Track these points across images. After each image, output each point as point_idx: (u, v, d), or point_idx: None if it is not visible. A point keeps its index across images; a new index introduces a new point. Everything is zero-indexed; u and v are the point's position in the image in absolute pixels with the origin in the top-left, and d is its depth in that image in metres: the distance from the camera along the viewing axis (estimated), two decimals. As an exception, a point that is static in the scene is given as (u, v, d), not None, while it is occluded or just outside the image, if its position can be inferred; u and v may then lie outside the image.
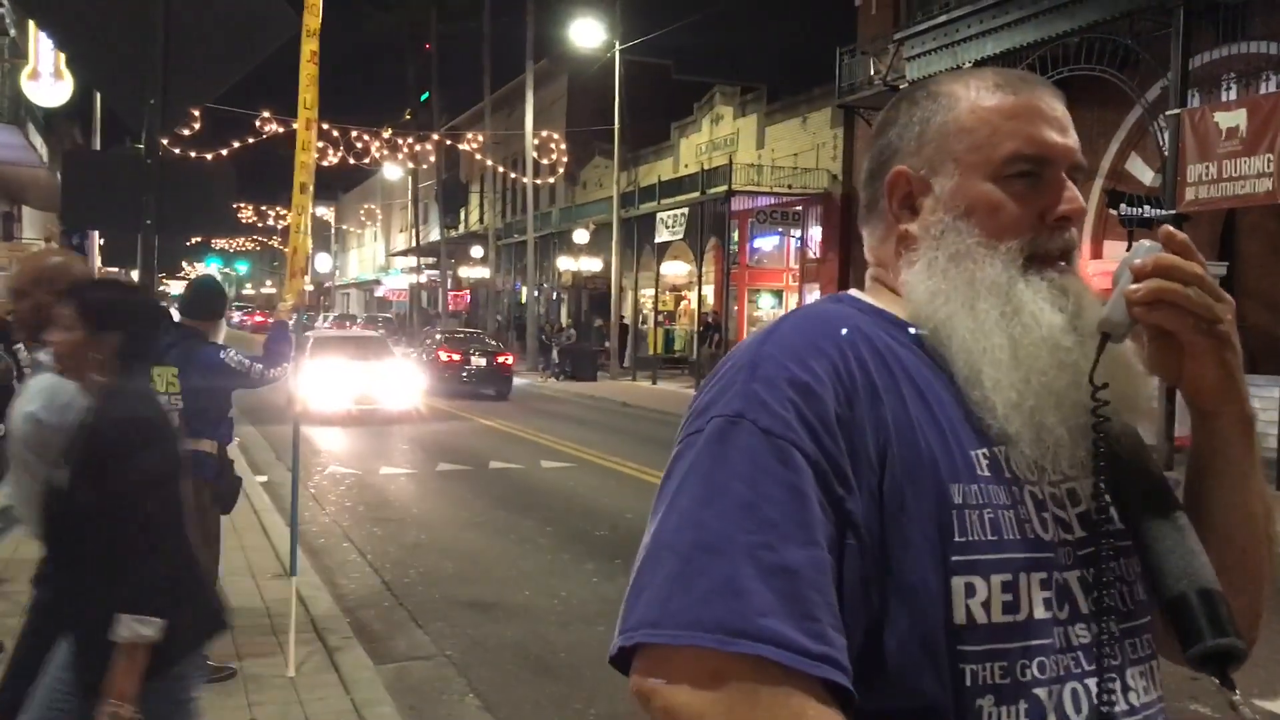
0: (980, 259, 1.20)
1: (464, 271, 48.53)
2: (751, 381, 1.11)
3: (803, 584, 1.03)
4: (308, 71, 5.56)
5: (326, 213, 76.71)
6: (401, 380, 19.95)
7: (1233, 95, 14.82)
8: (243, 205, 58.96)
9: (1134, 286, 1.15)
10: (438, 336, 27.11)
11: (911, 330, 1.21)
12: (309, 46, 5.56)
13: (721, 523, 1.05)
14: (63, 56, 17.54)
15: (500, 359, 24.77)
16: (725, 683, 1.01)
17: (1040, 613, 1.11)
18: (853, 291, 1.31)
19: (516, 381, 26.04)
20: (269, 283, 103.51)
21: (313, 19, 5.54)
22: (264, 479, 11.60)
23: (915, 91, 1.29)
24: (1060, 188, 1.22)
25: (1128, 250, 1.22)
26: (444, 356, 24.39)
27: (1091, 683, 1.13)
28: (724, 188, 26.31)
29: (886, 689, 1.08)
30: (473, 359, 24.27)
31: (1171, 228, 1.21)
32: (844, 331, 1.17)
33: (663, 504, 1.11)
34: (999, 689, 1.09)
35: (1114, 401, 1.16)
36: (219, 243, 72.90)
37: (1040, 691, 1.10)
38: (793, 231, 28.02)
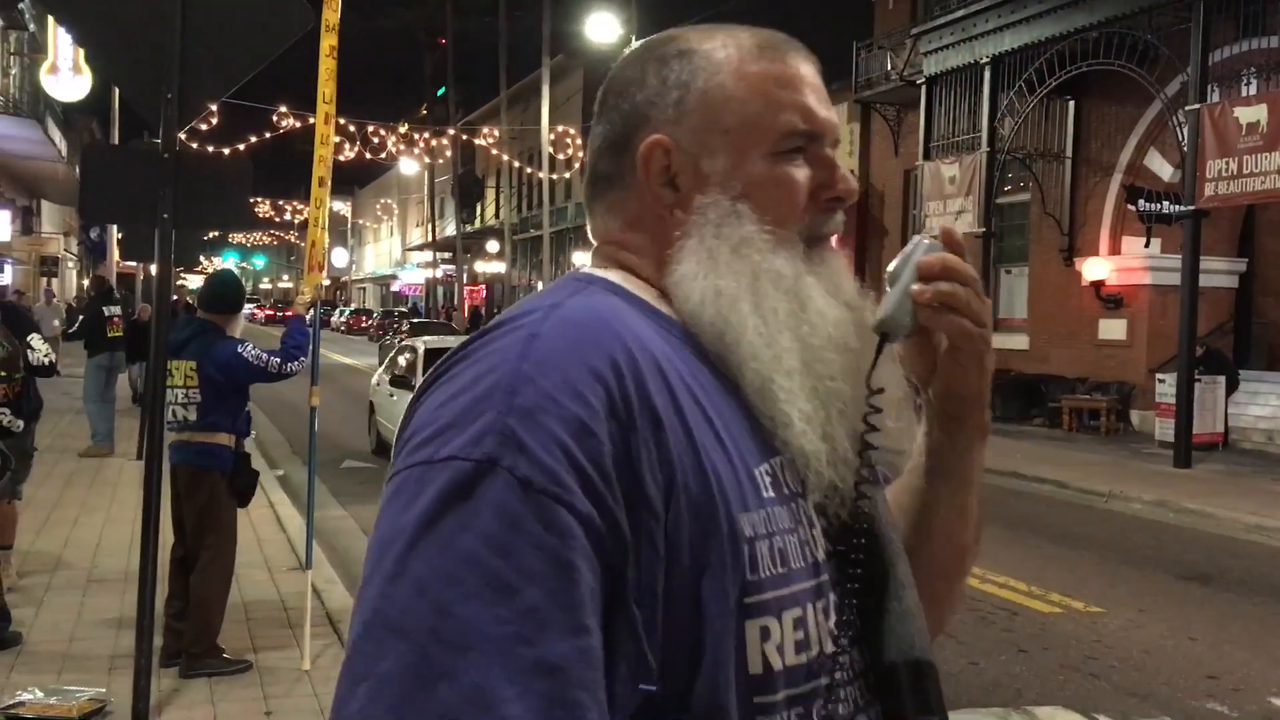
0: (764, 249, 1.04)
1: (480, 266, 48.57)
2: (508, 415, 0.88)
3: (569, 684, 0.83)
4: (326, 66, 5.57)
5: (343, 208, 76.91)
6: None
7: (1253, 90, 14.71)
8: (260, 200, 59.13)
9: (920, 287, 1.05)
10: (405, 329, 31.36)
11: (682, 328, 1.04)
12: (328, 41, 5.57)
13: (467, 608, 0.83)
14: (81, 51, 17.61)
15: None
16: None
17: (829, 646, 0.99)
18: (596, 271, 1.09)
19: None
20: (286, 277, 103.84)
21: (331, 13, 5.54)
22: (280, 473, 11.64)
23: (661, 48, 1.10)
24: (833, 165, 1.09)
25: (904, 246, 1.13)
26: (420, 346, 27.21)
27: (873, 713, 1.03)
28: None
29: None
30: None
31: (950, 226, 1.13)
32: (620, 338, 0.95)
33: (386, 560, 0.87)
34: None
35: (885, 407, 1.06)
36: (237, 237, 73.14)
37: None
38: (809, 227, 27.93)
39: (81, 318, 14.18)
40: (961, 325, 1.07)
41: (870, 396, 1.05)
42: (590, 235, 1.15)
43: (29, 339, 6.30)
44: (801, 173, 1.08)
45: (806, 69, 1.10)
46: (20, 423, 6.50)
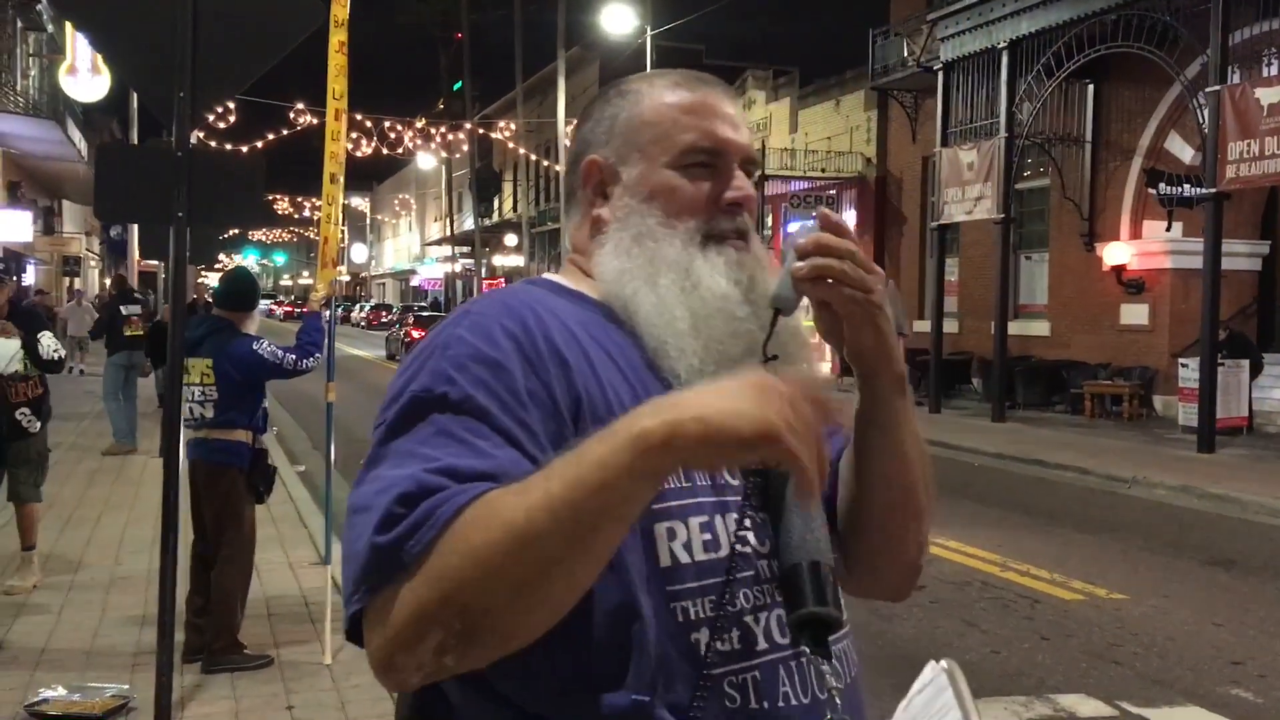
0: (660, 238, 1.31)
1: (498, 260, 48.61)
2: (442, 360, 1.19)
3: (460, 476, 1.10)
4: (336, 62, 5.57)
5: (362, 203, 77.13)
6: None
7: (1274, 71, 14.56)
8: (278, 196, 59.34)
9: (798, 264, 1.24)
10: (410, 319, 35.38)
11: (603, 306, 1.31)
12: (337, 36, 5.57)
13: (397, 471, 1.12)
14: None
15: None
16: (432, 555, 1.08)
17: (739, 548, 1.22)
18: (547, 275, 1.41)
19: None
20: (306, 273, 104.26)
21: (340, 9, 5.55)
22: (301, 468, 11.69)
23: (608, 90, 1.42)
24: (730, 177, 1.34)
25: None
26: (416, 334, 31.91)
27: (764, 615, 1.23)
28: (757, 172, 26.17)
29: (600, 642, 1.15)
30: None
31: (826, 209, 1.38)
32: (532, 309, 1.25)
33: (365, 473, 1.16)
34: (711, 621, 1.19)
35: (787, 370, 1.26)
36: (256, 234, 73.55)
37: (749, 619, 1.21)
38: (827, 215, 27.82)
39: (99, 317, 14.28)
40: (840, 293, 1.24)
41: (766, 362, 1.25)
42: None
43: (38, 336, 6.32)
44: (701, 182, 1.33)
45: (717, 100, 1.36)
46: (39, 423, 6.56)
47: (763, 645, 1.21)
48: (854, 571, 1.40)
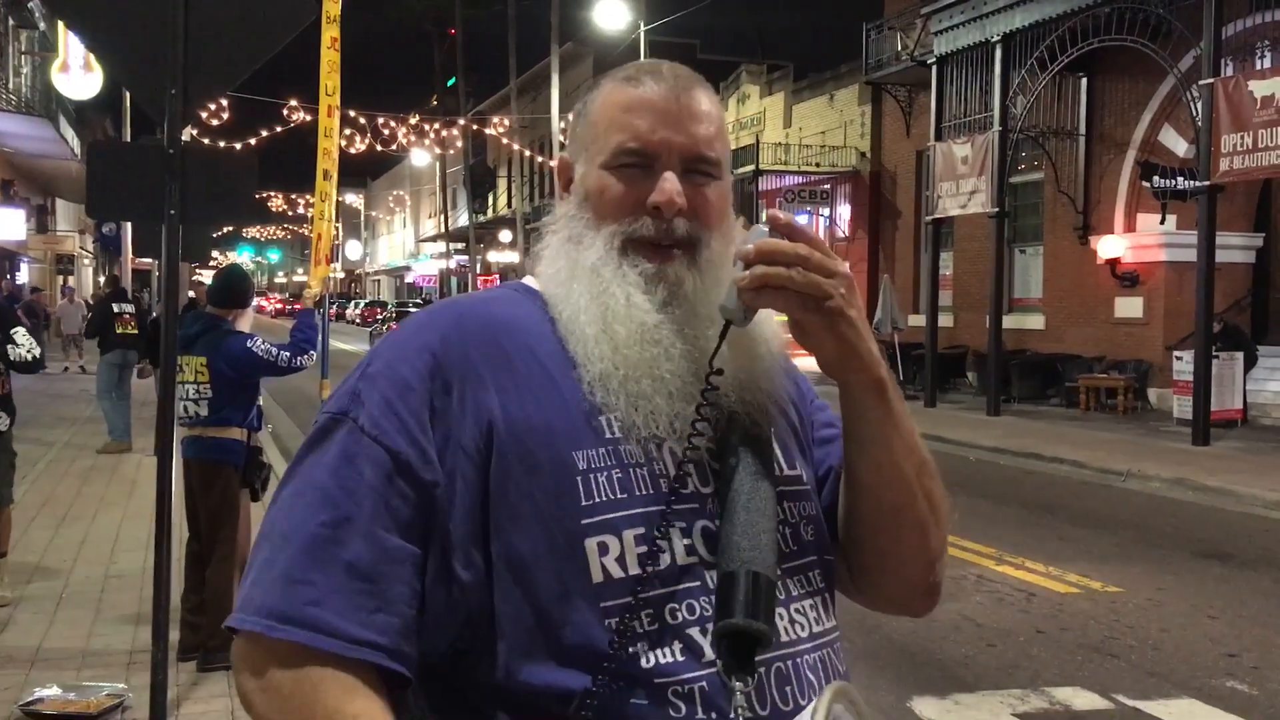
0: (584, 242, 1.29)
1: (493, 256, 48.58)
2: (359, 380, 1.22)
3: (359, 575, 1.13)
4: (329, 58, 5.56)
5: (356, 200, 76.98)
6: None
7: (1268, 63, 14.57)
8: (272, 194, 59.22)
9: (741, 274, 1.19)
10: (393, 314, 38.15)
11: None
12: (329, 33, 5.56)
13: (303, 514, 1.16)
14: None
15: None
16: (270, 666, 1.13)
17: (683, 559, 1.18)
18: (526, 279, 1.39)
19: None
20: (300, 270, 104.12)
21: (333, 5, 5.54)
22: (296, 466, 11.68)
23: (588, 85, 1.43)
24: (657, 177, 1.27)
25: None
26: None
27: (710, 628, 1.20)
28: (751, 167, 26.16)
29: (522, 656, 1.15)
30: None
31: (777, 211, 1.28)
32: (459, 322, 1.25)
33: (288, 479, 1.22)
34: (650, 635, 1.15)
35: (737, 380, 1.26)
36: (251, 231, 73.33)
37: (693, 631, 1.16)
38: (821, 210, 27.84)
39: (91, 316, 14.23)
40: (788, 301, 1.19)
41: (711, 375, 1.23)
42: None
43: (12, 333, 6.18)
44: (634, 184, 1.28)
45: (657, 97, 1.28)
46: (8, 420, 6.34)
47: (709, 656, 1.16)
48: (857, 585, 1.37)
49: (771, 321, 1.29)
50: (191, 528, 5.57)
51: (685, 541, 1.19)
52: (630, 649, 1.14)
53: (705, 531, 1.21)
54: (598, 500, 1.17)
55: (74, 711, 4.65)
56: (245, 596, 1.16)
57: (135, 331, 12.86)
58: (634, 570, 1.16)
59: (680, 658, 1.15)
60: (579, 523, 1.16)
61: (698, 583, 1.18)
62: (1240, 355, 15.58)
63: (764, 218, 1.25)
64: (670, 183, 1.26)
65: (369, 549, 1.14)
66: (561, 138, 34.53)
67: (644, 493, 1.19)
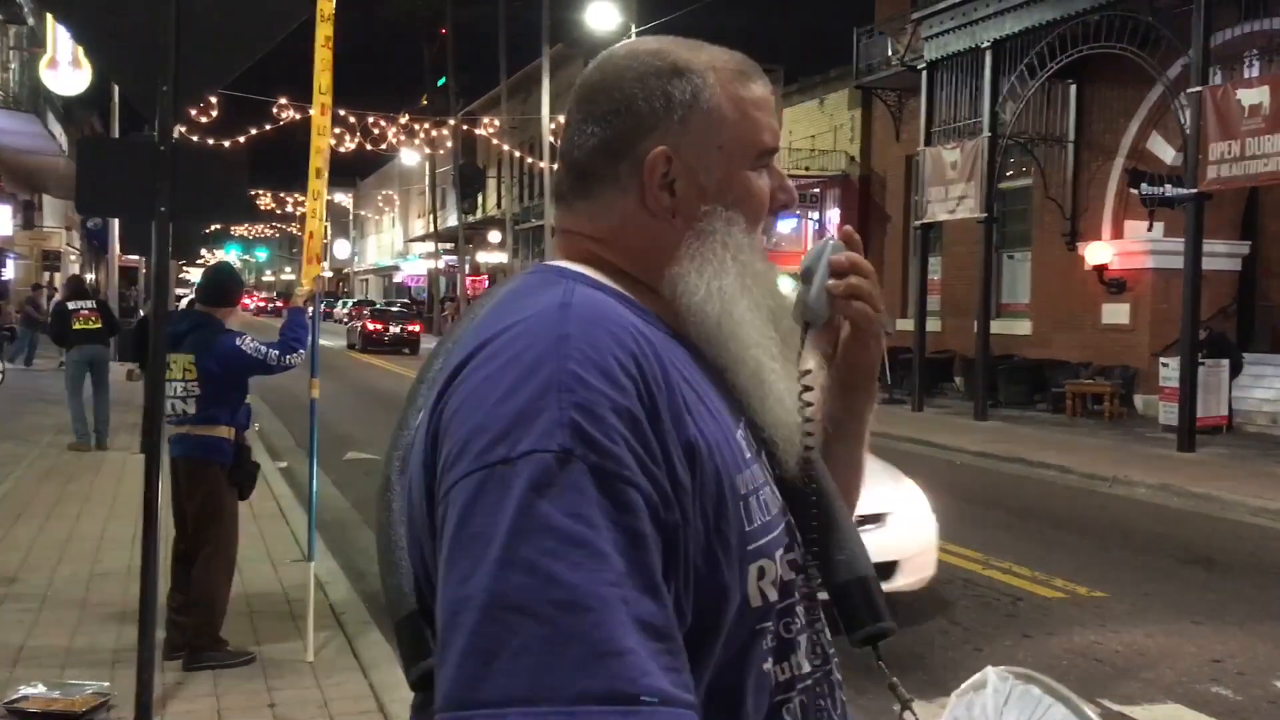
0: (751, 253, 1.22)
1: (482, 256, 48.53)
2: (571, 410, 1.00)
3: (664, 635, 0.98)
4: (322, 56, 5.55)
5: (345, 199, 76.82)
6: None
7: (1255, 72, 14.65)
8: (261, 192, 59.07)
9: (836, 281, 1.28)
10: (366, 312, 40.40)
11: (655, 316, 1.20)
12: (323, 31, 5.55)
13: (577, 576, 0.95)
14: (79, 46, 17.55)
15: (409, 327, 37.15)
16: None
17: (787, 574, 1.19)
18: (574, 267, 1.21)
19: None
20: (289, 269, 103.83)
21: (326, 3, 5.52)
22: (284, 465, 11.65)
23: (655, 62, 1.22)
24: (782, 175, 1.28)
25: (828, 244, 1.33)
26: (370, 326, 36.94)
27: (819, 626, 1.24)
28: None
29: (709, 688, 1.10)
30: (391, 328, 36.77)
31: (849, 228, 1.35)
32: (634, 334, 1.09)
33: (492, 549, 0.97)
34: (775, 650, 1.16)
35: (812, 384, 1.28)
36: (239, 229, 73.08)
37: (801, 639, 1.20)
38: (811, 214, 27.89)
39: (51, 321, 14.15)
40: (866, 311, 1.29)
41: (802, 376, 1.25)
42: (558, 224, 1.28)
43: None
44: (768, 183, 1.26)
45: (768, 92, 1.27)
46: None
47: (805, 669, 1.20)
48: None
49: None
50: (178, 526, 5.55)
51: (790, 556, 1.20)
52: (763, 665, 1.15)
53: (792, 545, 1.23)
54: (755, 524, 1.14)
55: (59, 710, 4.62)
56: (533, 686, 0.92)
57: (97, 326, 12.60)
58: (773, 594, 1.15)
59: (793, 672, 1.18)
60: (745, 549, 1.12)
61: (795, 594, 1.20)
62: (1226, 362, 15.67)
63: (841, 232, 1.34)
64: (789, 180, 1.30)
65: (658, 604, 0.99)
66: (552, 139, 34.54)
67: (775, 512, 1.18)
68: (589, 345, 1.05)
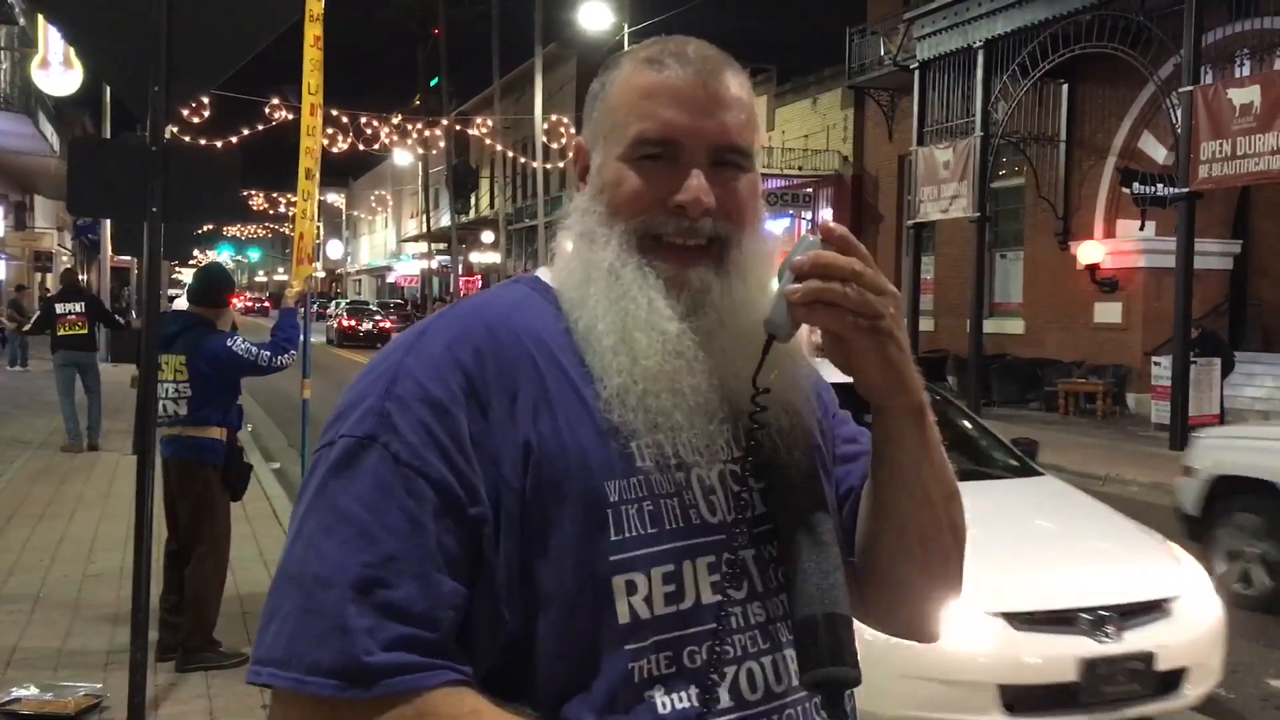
0: (599, 239, 1.17)
1: (475, 257, 48.50)
2: (386, 399, 1.08)
3: (414, 618, 1.02)
4: (311, 56, 5.55)
5: (337, 199, 76.73)
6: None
7: (1246, 71, 14.68)
8: (254, 192, 58.96)
9: (794, 287, 1.10)
10: (342, 310, 43.47)
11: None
12: (312, 31, 5.55)
13: (339, 553, 1.03)
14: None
15: (380, 324, 39.94)
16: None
17: (708, 596, 1.11)
18: (541, 268, 1.27)
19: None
20: (281, 269, 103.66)
21: (315, 3, 5.52)
22: (276, 466, 11.63)
23: (608, 60, 1.27)
24: (682, 174, 1.16)
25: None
26: (345, 323, 40.08)
27: (767, 661, 1.14)
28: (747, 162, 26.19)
29: (547, 695, 1.07)
30: (364, 324, 39.88)
31: (830, 222, 1.17)
32: (490, 328, 1.13)
33: (293, 523, 1.09)
34: (667, 679, 1.09)
35: (774, 399, 1.16)
36: (231, 230, 72.95)
37: (714, 675, 1.10)
38: (804, 213, 27.91)
39: (38, 314, 14.05)
40: (840, 320, 1.10)
41: (757, 395, 1.14)
42: None
43: None
44: (655, 177, 1.17)
45: (682, 81, 1.17)
46: None
47: (727, 702, 1.10)
48: (869, 609, 1.28)
49: (802, 331, 1.18)
50: (170, 527, 5.54)
51: (712, 578, 1.12)
52: (646, 693, 1.08)
53: (744, 564, 1.14)
54: (627, 535, 1.09)
55: (51, 711, 4.61)
56: (287, 650, 1.03)
57: (82, 331, 12.41)
58: (660, 610, 1.09)
59: (693, 704, 1.09)
60: (607, 560, 1.07)
61: (720, 624, 1.11)
62: (1218, 361, 15.69)
63: (819, 226, 1.16)
64: (697, 179, 1.16)
65: (421, 591, 1.03)
66: (545, 139, 34.56)
67: (673, 526, 1.11)
68: (432, 339, 1.12)
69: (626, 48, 1.27)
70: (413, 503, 1.04)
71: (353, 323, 40.48)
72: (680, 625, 1.10)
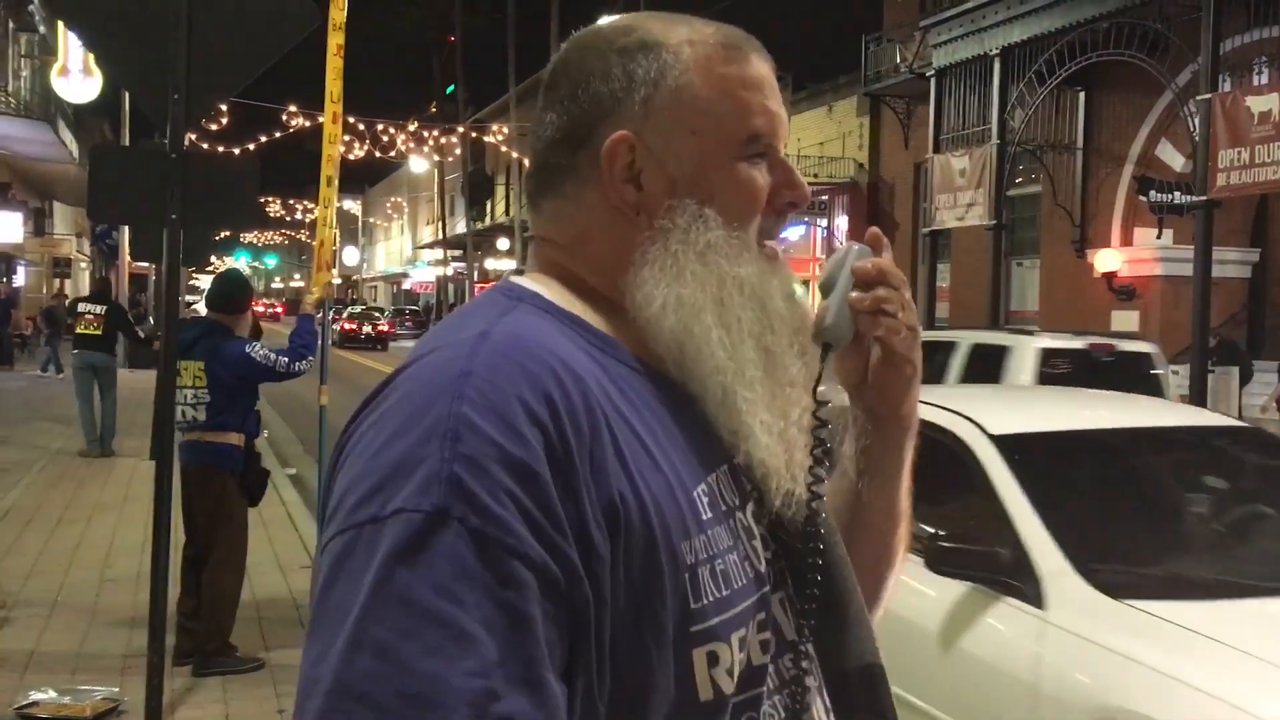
0: (731, 255, 1.02)
1: (490, 264, 48.57)
2: (453, 461, 0.85)
3: None
4: (334, 65, 5.58)
5: (354, 206, 77.05)
6: None
7: (1265, 79, 14.64)
8: (271, 199, 59.25)
9: (860, 295, 1.06)
10: (345, 313, 43.25)
11: (610, 339, 1.02)
12: (335, 40, 5.58)
13: (432, 663, 0.81)
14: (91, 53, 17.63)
15: (380, 328, 42.18)
16: None
17: (758, 658, 0.99)
18: (524, 282, 1.05)
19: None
20: (298, 276, 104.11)
21: (338, 12, 5.56)
22: (292, 471, 11.67)
23: (622, 39, 1.06)
24: (790, 169, 1.07)
25: (851, 250, 1.11)
26: (346, 327, 40.56)
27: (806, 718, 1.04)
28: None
29: None
30: (364, 328, 41.58)
31: (878, 229, 1.13)
32: (554, 371, 0.91)
33: (339, 626, 0.83)
34: None
35: (831, 415, 1.09)
36: (248, 236, 73.31)
37: None
38: (819, 221, 27.90)
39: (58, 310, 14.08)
40: (896, 328, 1.07)
41: (818, 408, 1.05)
42: (531, 229, 1.12)
43: None
44: (763, 176, 1.05)
45: (766, 70, 1.07)
46: None
47: None
48: None
49: None
50: (187, 532, 5.56)
51: (763, 635, 1.00)
52: None
53: (772, 614, 1.02)
54: (706, 601, 0.94)
55: (69, 715, 4.64)
56: None
57: (97, 332, 12.40)
58: (728, 685, 0.96)
59: None
60: (687, 630, 0.92)
61: (764, 686, 1.00)
62: (1236, 370, 15.61)
63: (869, 235, 1.12)
64: (801, 176, 1.08)
65: (534, 700, 0.83)
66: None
67: (741, 584, 0.97)
68: (490, 385, 0.89)
69: (645, 27, 1.08)
70: (510, 592, 0.84)
71: (354, 326, 41.97)
72: (743, 690, 0.97)
